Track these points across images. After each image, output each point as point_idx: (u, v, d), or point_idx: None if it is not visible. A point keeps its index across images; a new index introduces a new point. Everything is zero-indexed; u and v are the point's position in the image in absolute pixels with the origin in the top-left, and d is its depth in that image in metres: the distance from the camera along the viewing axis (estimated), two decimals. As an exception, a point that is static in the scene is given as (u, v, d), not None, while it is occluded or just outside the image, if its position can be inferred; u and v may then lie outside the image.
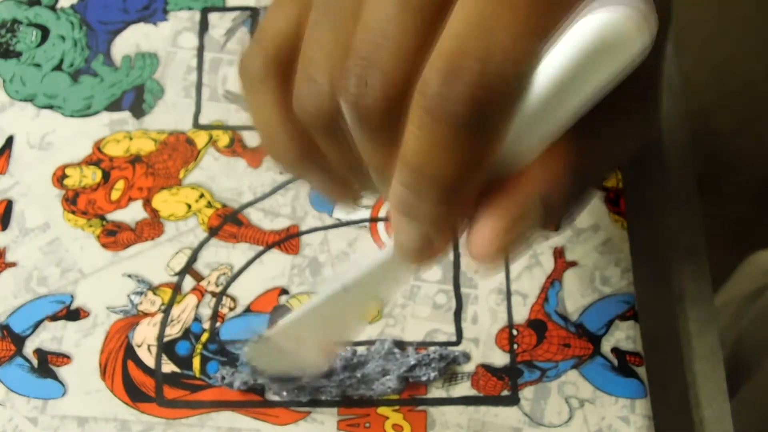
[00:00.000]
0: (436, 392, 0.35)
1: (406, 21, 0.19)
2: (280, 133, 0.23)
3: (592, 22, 0.18)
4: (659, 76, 0.25)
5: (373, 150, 0.21)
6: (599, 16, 0.18)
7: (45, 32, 0.42)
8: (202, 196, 0.38)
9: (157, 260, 0.37)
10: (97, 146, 0.39)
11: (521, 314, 0.36)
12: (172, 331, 0.36)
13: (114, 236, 0.38)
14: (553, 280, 0.37)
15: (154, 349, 0.35)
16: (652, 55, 0.22)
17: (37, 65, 0.41)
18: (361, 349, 0.35)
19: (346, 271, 0.27)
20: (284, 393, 0.34)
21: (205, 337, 0.36)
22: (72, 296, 0.36)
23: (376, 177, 0.23)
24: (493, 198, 0.21)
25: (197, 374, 0.35)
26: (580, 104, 0.20)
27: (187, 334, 0.36)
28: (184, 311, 0.36)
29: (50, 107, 0.40)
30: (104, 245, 0.37)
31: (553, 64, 0.18)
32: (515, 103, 0.19)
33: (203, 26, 0.42)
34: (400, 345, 0.35)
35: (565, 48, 0.18)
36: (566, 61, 0.18)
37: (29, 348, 0.35)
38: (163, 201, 0.38)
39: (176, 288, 0.37)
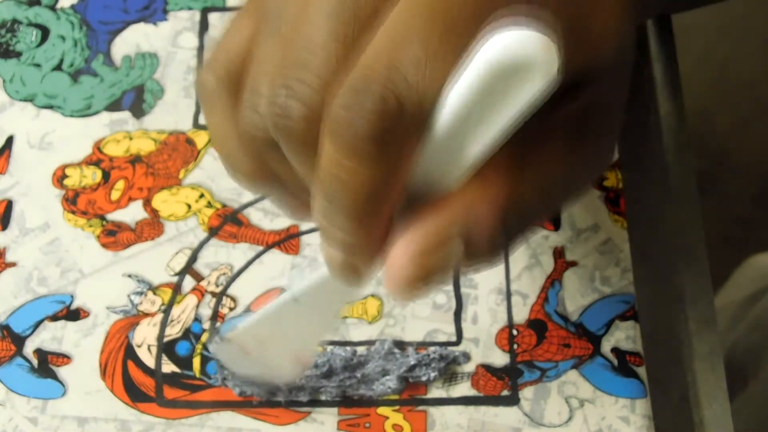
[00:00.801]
0: (436, 392, 0.35)
1: (329, 48, 0.20)
2: (235, 150, 0.24)
3: (493, 45, 0.17)
4: (624, 88, 0.24)
5: (301, 166, 0.21)
6: (499, 38, 0.17)
7: (45, 32, 0.42)
8: (202, 196, 0.38)
9: (157, 260, 0.37)
10: (97, 146, 0.39)
11: (521, 314, 0.36)
12: (172, 331, 0.36)
13: (114, 236, 0.38)
14: (553, 280, 0.37)
15: (154, 349, 0.35)
16: (608, 82, 0.22)
17: (37, 65, 0.41)
18: (361, 349, 0.35)
19: (299, 282, 0.27)
20: (260, 394, 0.34)
21: (205, 337, 0.36)
22: (72, 296, 0.36)
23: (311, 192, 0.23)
24: (410, 225, 0.21)
25: (197, 374, 0.35)
26: (493, 133, 0.19)
27: (187, 334, 0.36)
28: (184, 311, 0.36)
29: (50, 107, 0.40)
30: (104, 245, 0.37)
31: (458, 91, 0.18)
32: (418, 131, 0.19)
33: (203, 26, 0.42)
34: (400, 345, 0.35)
35: (467, 75, 0.18)
36: (469, 88, 0.18)
37: (29, 348, 0.35)
38: (163, 201, 0.38)
39: (176, 288, 0.37)
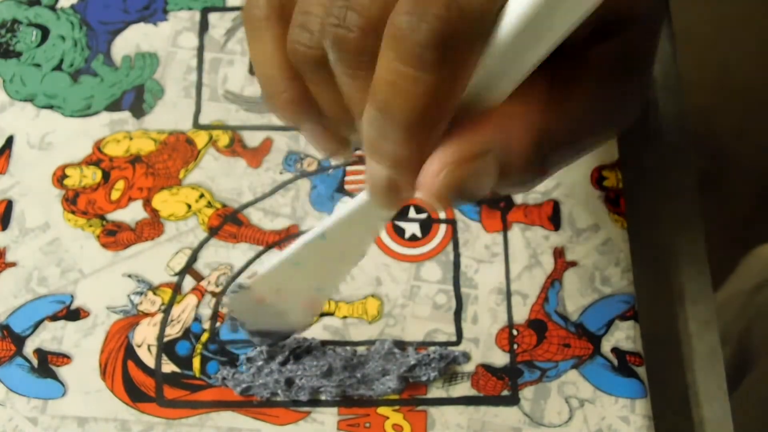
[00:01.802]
0: (436, 392, 0.35)
1: None
2: (277, 76, 0.24)
3: None
4: (655, 38, 0.25)
5: (351, 85, 0.22)
6: None
7: (45, 32, 0.42)
8: (202, 196, 0.38)
9: (157, 260, 0.37)
10: (97, 146, 0.39)
11: (521, 314, 0.36)
12: (172, 331, 0.36)
13: (114, 236, 0.38)
14: (553, 280, 0.37)
15: (154, 349, 0.35)
16: (642, 28, 0.23)
17: (37, 65, 0.41)
18: (361, 349, 0.35)
19: (326, 220, 0.27)
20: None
21: (205, 337, 0.36)
22: (72, 296, 0.36)
23: (356, 116, 0.23)
24: (449, 135, 0.21)
25: (197, 374, 0.35)
26: (549, 43, 0.20)
27: (187, 334, 0.36)
28: (184, 311, 0.36)
29: (50, 107, 0.40)
30: (104, 245, 0.37)
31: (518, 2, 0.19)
32: (481, 38, 0.20)
33: (203, 26, 0.42)
34: (400, 345, 0.35)
35: None
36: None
37: (29, 348, 0.35)
38: (163, 201, 0.38)
39: (176, 288, 0.37)
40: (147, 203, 0.38)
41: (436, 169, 0.21)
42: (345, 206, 0.26)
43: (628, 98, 0.25)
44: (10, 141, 0.40)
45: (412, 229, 0.38)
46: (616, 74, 0.23)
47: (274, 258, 0.30)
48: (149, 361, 0.35)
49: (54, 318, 0.36)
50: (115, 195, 0.38)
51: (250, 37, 0.25)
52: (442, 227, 0.38)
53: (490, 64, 0.20)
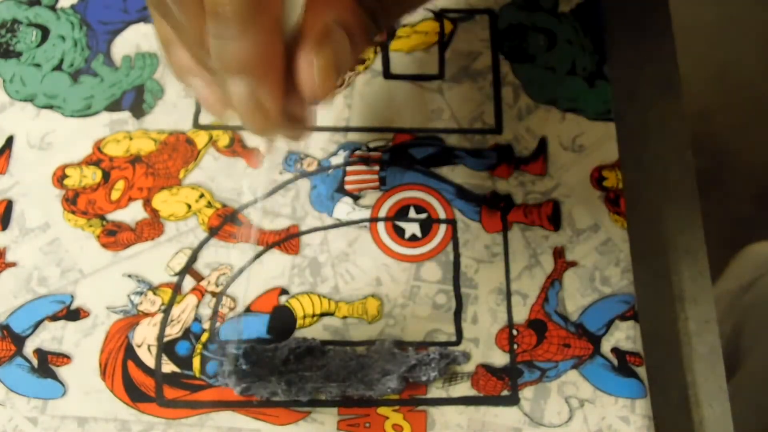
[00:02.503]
0: (436, 392, 0.35)
1: None
2: (168, 33, 0.27)
3: None
4: None
5: (180, 15, 0.23)
6: None
7: (45, 32, 0.42)
8: (202, 196, 0.38)
9: (157, 260, 0.37)
10: (97, 146, 0.39)
11: (521, 314, 0.36)
12: (172, 331, 0.36)
13: (114, 236, 0.38)
14: (553, 280, 0.37)
15: (154, 349, 0.35)
16: None
17: (37, 65, 0.41)
18: (360, 349, 0.35)
19: None
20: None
21: (205, 337, 0.36)
22: (72, 296, 0.36)
23: (194, 45, 0.24)
24: (301, 40, 0.24)
25: (197, 374, 0.35)
26: None
27: (187, 334, 0.36)
28: (184, 311, 0.36)
29: (50, 107, 0.40)
30: (104, 245, 0.37)
31: None
32: None
33: (203, 26, 0.42)
34: (400, 345, 0.35)
35: None
36: None
37: (29, 348, 0.35)
38: (163, 201, 0.38)
39: (176, 288, 0.37)
40: (147, 203, 0.38)
41: (306, 61, 0.24)
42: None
43: None
44: (10, 141, 0.40)
45: (412, 229, 0.38)
46: None
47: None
48: (149, 361, 0.35)
49: (54, 318, 0.36)
50: (115, 195, 0.38)
51: (149, 5, 0.27)
52: (442, 227, 0.38)
53: None
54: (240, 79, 0.23)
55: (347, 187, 0.39)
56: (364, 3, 0.26)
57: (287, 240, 0.38)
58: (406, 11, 0.28)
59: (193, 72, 0.27)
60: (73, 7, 0.43)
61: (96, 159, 0.39)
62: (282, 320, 0.36)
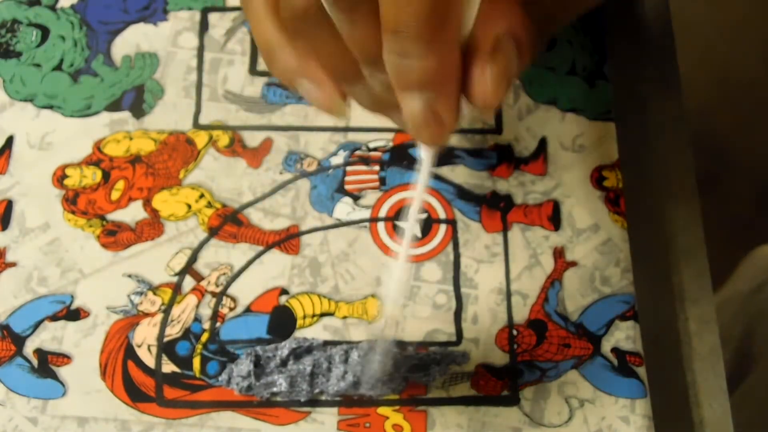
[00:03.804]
0: (436, 392, 0.35)
1: None
2: (272, 40, 0.26)
3: None
4: None
5: (352, 30, 0.23)
6: None
7: (45, 32, 0.42)
8: (202, 196, 0.38)
9: (157, 260, 0.37)
10: (97, 146, 0.39)
11: (521, 314, 0.36)
12: (172, 331, 0.36)
13: (114, 236, 0.38)
14: (553, 280, 0.37)
15: (154, 349, 0.35)
16: None
17: (37, 65, 0.41)
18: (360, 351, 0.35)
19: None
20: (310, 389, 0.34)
21: (205, 337, 0.36)
22: (72, 296, 0.36)
23: (362, 59, 0.24)
24: (473, 55, 0.24)
25: (197, 374, 0.35)
26: None
27: (187, 334, 0.36)
28: (184, 311, 0.36)
29: (50, 107, 0.40)
30: (104, 245, 0.37)
31: None
32: None
33: (203, 26, 0.42)
34: (400, 345, 0.35)
35: None
36: None
37: (29, 348, 0.35)
38: (163, 201, 0.38)
39: (176, 288, 0.37)
40: (147, 203, 0.38)
41: (490, 85, 0.24)
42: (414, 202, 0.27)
43: None
44: (10, 141, 0.40)
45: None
46: None
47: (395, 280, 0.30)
48: (149, 361, 0.35)
49: (54, 318, 0.36)
50: (115, 195, 0.38)
51: (245, 8, 0.27)
52: (442, 227, 0.38)
53: None
54: (419, 94, 0.24)
55: (347, 187, 0.39)
56: (531, 14, 0.26)
57: (287, 240, 0.38)
58: (568, 19, 0.28)
59: (301, 74, 0.27)
60: (73, 7, 0.43)
61: (96, 159, 0.39)
62: (282, 320, 0.36)
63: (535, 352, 0.36)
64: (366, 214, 0.38)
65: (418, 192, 0.27)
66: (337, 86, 0.27)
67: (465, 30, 0.24)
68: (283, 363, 0.35)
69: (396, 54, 0.22)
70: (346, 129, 0.40)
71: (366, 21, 0.23)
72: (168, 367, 0.35)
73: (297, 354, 0.35)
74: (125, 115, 0.40)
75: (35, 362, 0.35)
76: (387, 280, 0.31)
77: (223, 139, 0.40)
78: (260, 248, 0.37)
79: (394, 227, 0.38)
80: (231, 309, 0.36)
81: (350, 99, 0.28)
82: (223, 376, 0.35)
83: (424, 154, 0.26)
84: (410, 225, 0.28)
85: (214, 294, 0.37)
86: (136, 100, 0.40)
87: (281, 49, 0.27)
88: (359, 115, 0.40)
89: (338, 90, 0.27)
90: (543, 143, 0.40)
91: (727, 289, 0.64)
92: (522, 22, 0.25)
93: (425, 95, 0.23)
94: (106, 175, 0.39)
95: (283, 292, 0.37)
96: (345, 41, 0.24)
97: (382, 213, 0.38)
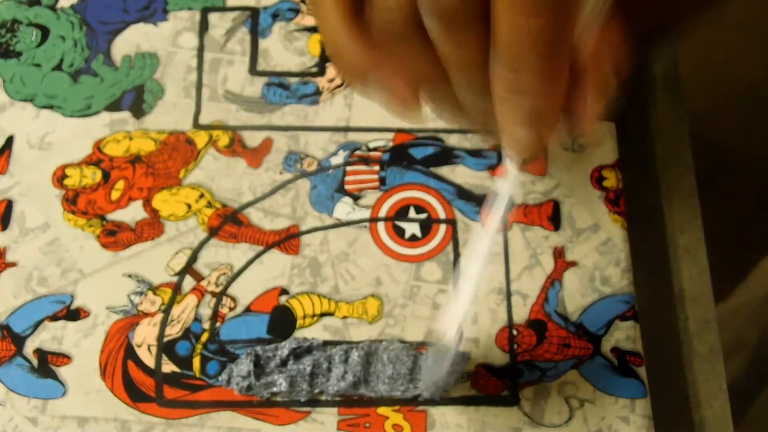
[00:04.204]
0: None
1: None
2: (343, 39, 0.26)
3: None
4: None
5: (452, 48, 0.23)
6: None
7: (45, 32, 0.42)
8: (202, 196, 0.38)
9: (157, 260, 0.37)
10: (97, 146, 0.39)
11: (521, 314, 0.36)
12: (172, 331, 0.36)
13: (114, 236, 0.38)
14: (553, 280, 0.37)
15: (154, 349, 0.35)
16: None
17: (37, 65, 0.41)
18: (361, 351, 0.35)
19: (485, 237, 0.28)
20: (309, 388, 0.34)
21: (205, 337, 0.36)
22: (72, 296, 0.36)
23: (456, 76, 0.24)
24: (583, 82, 0.24)
25: (197, 374, 0.35)
26: None
27: (187, 334, 0.36)
28: (184, 311, 0.36)
29: (50, 107, 0.40)
30: (104, 245, 0.37)
31: None
32: None
33: (203, 26, 0.42)
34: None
35: None
36: None
37: (29, 348, 0.35)
38: (163, 201, 0.38)
39: (176, 288, 0.37)
40: (147, 203, 0.38)
41: (582, 102, 0.24)
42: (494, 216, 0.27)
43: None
44: (10, 141, 0.40)
45: (412, 229, 0.38)
46: None
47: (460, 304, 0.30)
48: (149, 361, 0.35)
49: (54, 318, 0.36)
50: (115, 195, 0.38)
51: (317, 11, 0.27)
52: (442, 227, 0.38)
53: None
54: (529, 127, 0.24)
55: (347, 187, 0.39)
56: (630, 32, 0.26)
57: (287, 240, 0.38)
58: (663, 36, 0.28)
59: (372, 72, 0.26)
60: (73, 7, 0.43)
61: (96, 159, 0.39)
62: (282, 320, 0.36)
63: (535, 352, 0.35)
64: (366, 214, 0.38)
65: (500, 208, 0.27)
66: (411, 87, 0.27)
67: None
68: (283, 363, 0.35)
69: (510, 68, 0.22)
70: (346, 129, 0.40)
71: (469, 40, 0.22)
72: (168, 367, 0.35)
73: (297, 354, 0.35)
74: (125, 115, 0.40)
75: (35, 362, 0.35)
76: (453, 300, 0.31)
77: (223, 139, 0.40)
78: (260, 248, 0.37)
79: (394, 227, 0.38)
80: (231, 309, 0.36)
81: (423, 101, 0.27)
82: (223, 376, 0.35)
83: (511, 171, 0.26)
84: (487, 243, 0.28)
85: (214, 294, 0.37)
86: (136, 100, 0.40)
87: (351, 45, 0.26)
88: (359, 115, 0.40)
89: (413, 90, 0.27)
90: (543, 143, 0.40)
91: (741, 294, 0.64)
92: (626, 58, 0.25)
93: (532, 114, 0.23)
94: (106, 175, 0.39)
95: (283, 292, 0.37)
96: (440, 55, 0.23)
97: (382, 213, 0.38)
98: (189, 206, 0.38)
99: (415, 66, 0.25)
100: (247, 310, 0.36)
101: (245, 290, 0.37)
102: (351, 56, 0.26)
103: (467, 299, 0.30)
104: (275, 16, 0.43)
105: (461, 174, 0.39)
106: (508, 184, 0.27)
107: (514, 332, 0.36)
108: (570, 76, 0.24)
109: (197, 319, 0.36)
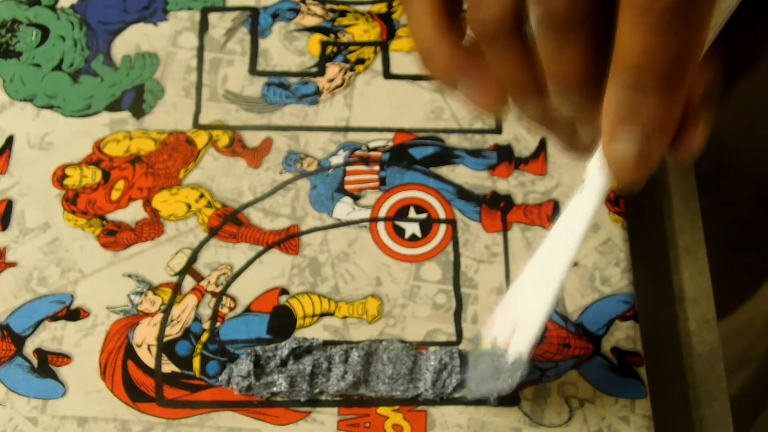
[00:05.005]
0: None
1: None
2: (432, 39, 0.25)
3: None
4: None
5: (557, 54, 0.22)
6: None
7: (45, 32, 0.42)
8: (202, 196, 0.38)
9: (157, 260, 0.37)
10: (97, 146, 0.39)
11: (521, 314, 0.36)
12: (172, 331, 0.36)
13: (114, 236, 0.38)
14: (553, 280, 0.37)
15: (154, 349, 0.35)
16: None
17: (37, 65, 0.41)
18: (362, 352, 0.35)
19: (566, 248, 0.27)
20: (310, 389, 0.34)
21: (205, 337, 0.36)
22: (72, 296, 0.36)
23: (557, 88, 0.23)
24: (686, 108, 0.23)
25: (197, 374, 0.35)
26: None
27: (187, 334, 0.36)
28: (184, 311, 0.36)
29: (50, 107, 0.40)
30: (104, 245, 0.37)
31: None
32: None
33: (203, 26, 0.42)
34: (406, 346, 0.35)
35: None
36: None
37: (29, 348, 0.35)
38: (163, 201, 0.38)
39: (176, 288, 0.37)
40: (147, 203, 0.38)
41: (693, 125, 0.24)
42: (575, 223, 0.27)
43: None
44: (10, 141, 0.40)
45: (412, 229, 0.38)
46: None
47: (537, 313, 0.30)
48: (149, 361, 0.35)
49: (54, 318, 0.36)
50: (115, 195, 0.38)
51: (404, 3, 0.26)
52: (442, 227, 0.38)
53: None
54: (638, 135, 0.23)
55: (347, 187, 0.39)
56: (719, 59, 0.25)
57: (287, 240, 0.38)
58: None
59: (464, 74, 0.26)
60: (73, 7, 0.43)
61: (96, 159, 0.39)
62: (282, 320, 0.36)
63: (535, 352, 0.35)
64: (366, 214, 0.38)
65: (579, 226, 0.27)
66: (501, 93, 0.26)
67: None
68: (283, 363, 0.35)
69: (630, 89, 0.22)
70: (346, 129, 0.40)
71: (577, 45, 0.22)
72: (168, 367, 0.35)
73: (297, 354, 0.35)
74: (125, 115, 0.40)
75: (35, 362, 0.35)
76: (508, 304, 0.31)
77: (223, 139, 0.40)
78: (260, 248, 0.37)
79: (394, 227, 0.38)
80: (231, 309, 0.36)
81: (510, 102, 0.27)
82: (223, 376, 0.35)
83: (601, 184, 0.26)
84: (563, 266, 0.28)
85: (214, 294, 0.37)
86: (136, 100, 0.40)
87: (441, 47, 0.25)
88: (359, 115, 0.40)
89: (502, 96, 0.26)
90: (543, 143, 0.40)
91: (747, 310, 0.63)
92: (716, 76, 0.24)
93: (645, 136, 0.23)
94: (106, 175, 0.39)
95: (283, 292, 0.37)
96: (543, 60, 0.23)
97: (382, 213, 0.38)
98: (189, 206, 0.38)
99: (508, 72, 0.24)
100: (247, 310, 0.36)
101: (245, 290, 0.37)
102: (441, 59, 0.25)
103: (547, 305, 0.29)
104: (275, 16, 0.43)
105: (461, 174, 0.39)
106: (595, 195, 0.27)
107: (514, 332, 0.36)
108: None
109: (197, 319, 0.36)
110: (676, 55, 0.20)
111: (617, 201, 0.38)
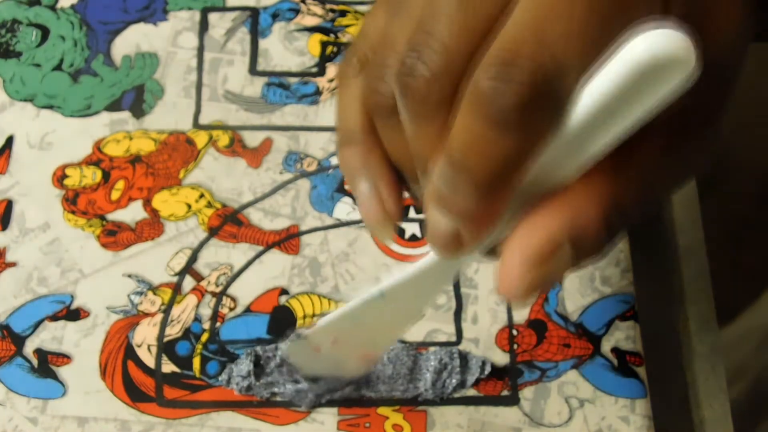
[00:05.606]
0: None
1: (459, 19, 0.21)
2: (351, 126, 0.26)
3: (643, 43, 0.18)
4: (729, 87, 0.24)
5: (415, 132, 0.22)
6: (650, 37, 0.17)
7: (45, 32, 0.42)
8: (202, 196, 0.38)
9: (157, 260, 0.37)
10: (97, 146, 0.39)
11: (521, 314, 0.36)
12: (172, 331, 0.36)
13: (114, 236, 0.38)
14: (553, 280, 0.37)
15: (154, 349, 0.35)
16: (717, 80, 0.22)
17: (37, 65, 0.41)
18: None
19: (386, 279, 0.27)
20: (315, 397, 0.34)
21: (205, 337, 0.36)
22: (72, 296, 0.36)
23: (417, 164, 0.23)
24: (521, 233, 0.22)
25: (197, 374, 0.35)
26: (622, 128, 0.19)
27: (187, 334, 0.36)
28: (184, 311, 0.36)
29: (50, 107, 0.40)
30: (104, 245, 0.37)
31: (600, 83, 0.19)
32: (560, 111, 0.20)
33: (203, 26, 0.42)
34: (407, 347, 0.35)
35: (613, 68, 0.18)
36: (613, 81, 0.18)
37: (29, 348, 0.35)
38: (163, 201, 0.38)
39: (176, 288, 0.37)
40: (147, 203, 0.38)
41: (516, 275, 0.22)
42: (407, 267, 0.26)
43: (699, 153, 0.24)
44: (10, 141, 0.40)
45: (412, 229, 0.38)
46: (685, 132, 0.23)
47: (333, 312, 0.30)
48: (149, 361, 0.35)
49: (54, 318, 0.36)
50: (115, 195, 0.38)
51: (339, 89, 0.26)
52: (442, 227, 0.38)
53: (560, 141, 0.20)
54: (449, 219, 0.22)
55: (347, 187, 0.39)
56: (612, 212, 0.22)
57: (287, 240, 0.38)
58: (642, 218, 0.24)
59: (360, 173, 0.26)
60: (73, 7, 0.43)
61: (96, 159, 0.39)
62: (282, 320, 0.36)
63: (535, 352, 0.35)
64: (366, 214, 0.38)
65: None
66: (395, 200, 0.26)
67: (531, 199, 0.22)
68: (283, 363, 0.35)
69: (443, 180, 0.21)
70: (346, 129, 0.40)
71: (429, 129, 0.22)
72: (168, 367, 0.35)
73: (297, 354, 0.35)
74: (125, 115, 0.40)
75: (35, 362, 0.35)
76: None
77: (223, 139, 0.40)
78: (260, 248, 0.37)
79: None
80: (231, 309, 0.36)
81: (397, 225, 0.26)
82: (223, 376, 0.35)
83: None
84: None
85: (214, 294, 0.37)
86: (136, 100, 0.40)
87: (352, 144, 0.25)
88: (359, 115, 0.40)
89: (393, 207, 0.26)
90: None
91: (744, 322, 0.63)
92: (600, 218, 0.21)
93: (455, 220, 0.22)
94: (106, 175, 0.39)
95: (283, 292, 0.37)
96: (407, 140, 0.23)
97: (382, 213, 0.38)
98: (189, 206, 0.38)
99: (395, 153, 0.25)
100: (247, 310, 0.36)
101: (245, 290, 0.37)
102: (349, 146, 0.26)
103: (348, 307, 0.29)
104: (275, 16, 0.43)
105: (461, 174, 0.39)
106: (422, 270, 0.26)
107: (514, 332, 0.36)
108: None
109: (197, 319, 0.36)
110: (502, 155, 0.20)
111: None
